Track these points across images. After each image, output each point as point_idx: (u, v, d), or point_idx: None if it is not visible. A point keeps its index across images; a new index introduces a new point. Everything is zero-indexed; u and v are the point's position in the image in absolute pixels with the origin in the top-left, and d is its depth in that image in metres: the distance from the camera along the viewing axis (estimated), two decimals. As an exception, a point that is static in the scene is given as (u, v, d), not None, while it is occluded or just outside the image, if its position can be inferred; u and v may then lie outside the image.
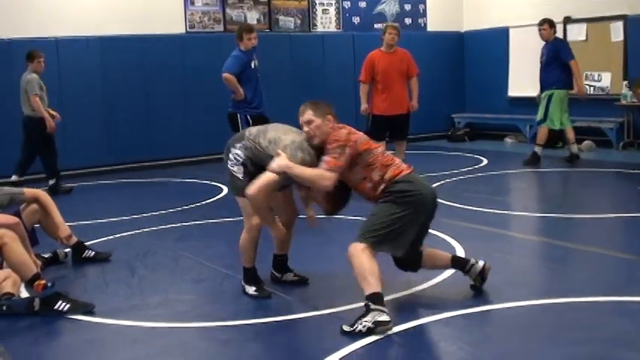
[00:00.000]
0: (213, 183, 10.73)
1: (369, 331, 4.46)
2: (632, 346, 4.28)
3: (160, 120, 12.76)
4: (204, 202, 9.33)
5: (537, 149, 11.53)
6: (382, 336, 4.49)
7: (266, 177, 4.95)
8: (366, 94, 10.40)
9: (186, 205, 9.08)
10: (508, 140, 14.99)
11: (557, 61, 11.22)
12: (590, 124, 13.24)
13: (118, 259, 6.65)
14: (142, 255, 6.82)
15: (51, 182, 10.51)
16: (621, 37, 13.15)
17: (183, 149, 13.01)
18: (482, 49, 15.80)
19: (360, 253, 4.68)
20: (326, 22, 14.77)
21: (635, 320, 4.74)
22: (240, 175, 5.24)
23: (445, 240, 6.63)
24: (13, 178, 10.39)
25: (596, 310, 5.00)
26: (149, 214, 8.63)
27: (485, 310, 5.03)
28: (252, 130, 5.38)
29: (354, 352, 4.31)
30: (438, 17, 16.19)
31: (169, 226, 8.05)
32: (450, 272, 5.79)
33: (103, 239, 7.43)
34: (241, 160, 5.24)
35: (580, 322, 4.77)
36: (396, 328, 4.63)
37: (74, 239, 6.58)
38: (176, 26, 13.04)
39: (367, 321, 4.48)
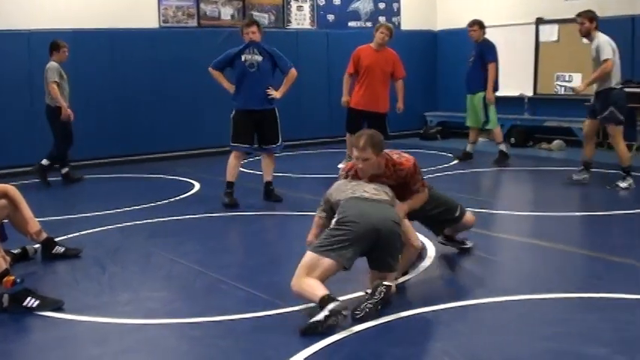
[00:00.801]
0: (184, 179, 10.70)
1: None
2: (600, 342, 4.33)
3: (133, 115, 12.67)
4: (176, 198, 9.29)
5: (502, 147, 11.73)
6: (354, 332, 4.52)
7: (409, 226, 5.53)
8: (348, 86, 10.58)
9: (158, 202, 9.04)
10: (480, 139, 15.04)
11: (483, 63, 11.42)
12: (560, 124, 13.35)
13: (89, 256, 6.60)
14: (113, 252, 6.78)
15: (63, 170, 10.81)
16: (592, 38, 13.24)
17: (156, 145, 12.94)
18: (456, 49, 15.82)
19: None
20: (300, 19, 14.76)
21: (602, 316, 4.80)
22: None
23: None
24: (64, 170, 10.84)
25: (565, 306, 5.06)
26: (121, 210, 8.58)
27: (456, 307, 5.06)
28: (390, 200, 5.38)
29: (325, 349, 4.33)
30: (412, 16, 16.23)
31: (140, 222, 8.01)
32: (420, 269, 5.84)
33: (73, 235, 7.38)
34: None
35: (549, 318, 4.82)
36: (369, 324, 4.66)
37: (44, 235, 6.51)
38: (150, 21, 12.97)
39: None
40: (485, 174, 11.28)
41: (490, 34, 14.26)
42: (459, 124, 15.63)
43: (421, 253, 5.99)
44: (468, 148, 12.22)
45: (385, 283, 4.87)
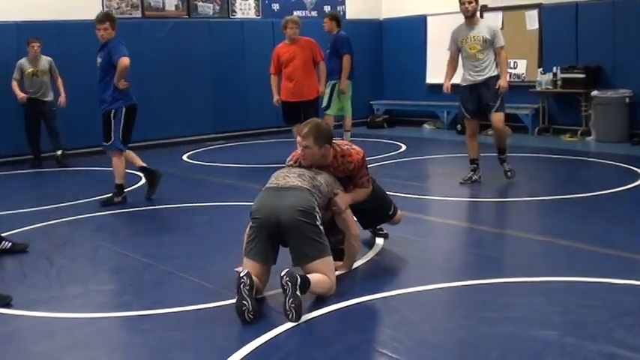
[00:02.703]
0: (132, 171, 10.60)
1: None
2: (547, 325, 4.41)
3: (78, 108, 12.51)
4: (124, 191, 9.20)
5: (348, 135, 12.15)
6: (303, 321, 4.56)
7: (349, 216, 5.54)
8: (277, 85, 10.99)
9: (105, 194, 8.95)
10: (426, 126, 15.19)
11: (338, 54, 11.65)
12: (506, 111, 13.48)
13: (36, 250, 6.54)
14: (61, 245, 6.72)
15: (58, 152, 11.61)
16: (536, 26, 13.47)
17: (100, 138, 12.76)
18: (401, 37, 15.96)
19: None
20: (245, 8, 14.71)
21: (549, 300, 4.90)
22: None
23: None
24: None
25: (512, 290, 5.15)
26: (67, 204, 8.49)
27: (404, 293, 5.12)
28: (308, 186, 5.19)
29: (275, 338, 4.36)
30: (357, 5, 16.28)
31: (88, 215, 7.95)
32: (366, 258, 5.89)
33: (20, 230, 7.29)
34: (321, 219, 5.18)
35: (497, 302, 4.90)
36: (314, 313, 4.70)
37: (-11, 231, 6.45)
38: (93, 12, 12.79)
39: None
40: (432, 161, 11.39)
41: (437, 23, 14.45)
42: (405, 112, 15.79)
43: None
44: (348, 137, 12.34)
45: (283, 272, 4.64)
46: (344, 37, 11.75)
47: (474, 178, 8.85)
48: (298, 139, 5.41)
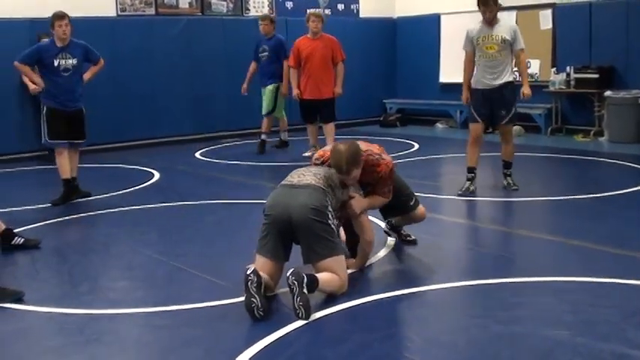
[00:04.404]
0: (144, 168, 10.65)
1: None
2: (558, 325, 4.40)
3: (91, 105, 12.46)
4: (135, 188, 9.25)
5: (284, 136, 12.46)
6: (315, 319, 4.56)
7: (366, 221, 5.55)
8: (296, 79, 10.98)
9: (118, 191, 8.99)
10: (439, 125, 15.17)
11: (278, 57, 11.67)
12: (519, 110, 13.44)
13: (49, 246, 6.57)
14: (74, 242, 6.76)
15: None
16: (550, 25, 13.43)
17: (114, 134, 12.83)
18: (414, 36, 15.92)
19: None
20: (259, 6, 14.71)
21: (561, 299, 4.89)
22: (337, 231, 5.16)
23: (377, 224, 6.68)
24: None
25: (523, 290, 5.14)
26: (81, 200, 8.52)
27: (415, 292, 5.12)
28: (323, 185, 5.14)
29: (286, 336, 4.36)
30: (371, 3, 16.25)
31: (101, 212, 7.97)
32: (378, 256, 5.89)
33: (32, 226, 7.32)
34: (337, 220, 5.19)
35: (508, 301, 4.89)
36: (325, 312, 4.71)
37: (2, 226, 6.45)
38: (107, 9, 12.86)
39: None
40: (445, 160, 11.38)
41: (450, 22, 14.43)
42: (418, 110, 15.76)
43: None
44: (283, 136, 12.61)
45: (289, 272, 4.67)
46: (284, 41, 11.83)
47: (471, 188, 8.35)
48: (341, 177, 5.27)
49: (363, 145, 5.56)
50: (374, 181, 5.58)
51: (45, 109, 8.48)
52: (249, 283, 4.61)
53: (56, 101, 8.40)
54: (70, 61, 8.35)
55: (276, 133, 12.45)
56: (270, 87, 11.80)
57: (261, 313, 4.59)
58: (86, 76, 8.72)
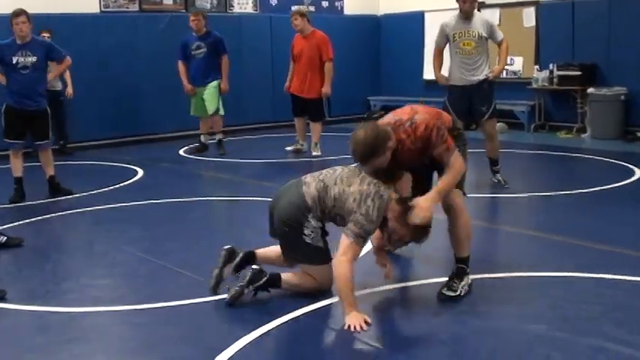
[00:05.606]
0: (127, 166, 10.63)
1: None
2: (538, 319, 4.44)
3: (74, 102, 12.50)
4: (118, 185, 9.23)
5: (220, 136, 11.86)
6: (293, 318, 4.58)
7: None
8: (291, 74, 11.11)
9: (102, 189, 8.98)
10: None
11: (217, 54, 11.36)
12: (502, 107, 13.52)
13: (31, 245, 6.54)
14: (56, 240, 6.75)
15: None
16: (533, 23, 13.51)
17: (97, 131, 12.80)
18: (398, 33, 15.97)
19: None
20: (243, 2, 14.69)
21: (541, 294, 4.95)
22: (321, 244, 4.86)
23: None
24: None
25: (504, 285, 5.18)
26: (62, 198, 8.51)
27: (398, 288, 5.20)
28: (312, 195, 4.79)
29: (265, 334, 4.38)
30: (355, 0, 16.27)
31: (84, 209, 7.97)
32: (364, 251, 5.89)
33: (14, 224, 7.30)
34: (320, 231, 4.85)
35: (489, 297, 4.91)
36: (306, 309, 4.72)
37: (-16, 225, 6.45)
38: (90, 6, 12.82)
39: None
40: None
41: (434, 19, 14.43)
42: (402, 107, 15.77)
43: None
44: (203, 139, 12.03)
45: (254, 266, 4.88)
46: (221, 37, 11.51)
47: None
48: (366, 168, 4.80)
49: (390, 117, 4.95)
50: (427, 151, 4.76)
51: (4, 106, 8.46)
52: (219, 258, 5.12)
53: (14, 99, 8.33)
54: (30, 59, 8.25)
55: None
56: (213, 83, 11.35)
57: (211, 282, 5.07)
58: (50, 75, 8.73)
